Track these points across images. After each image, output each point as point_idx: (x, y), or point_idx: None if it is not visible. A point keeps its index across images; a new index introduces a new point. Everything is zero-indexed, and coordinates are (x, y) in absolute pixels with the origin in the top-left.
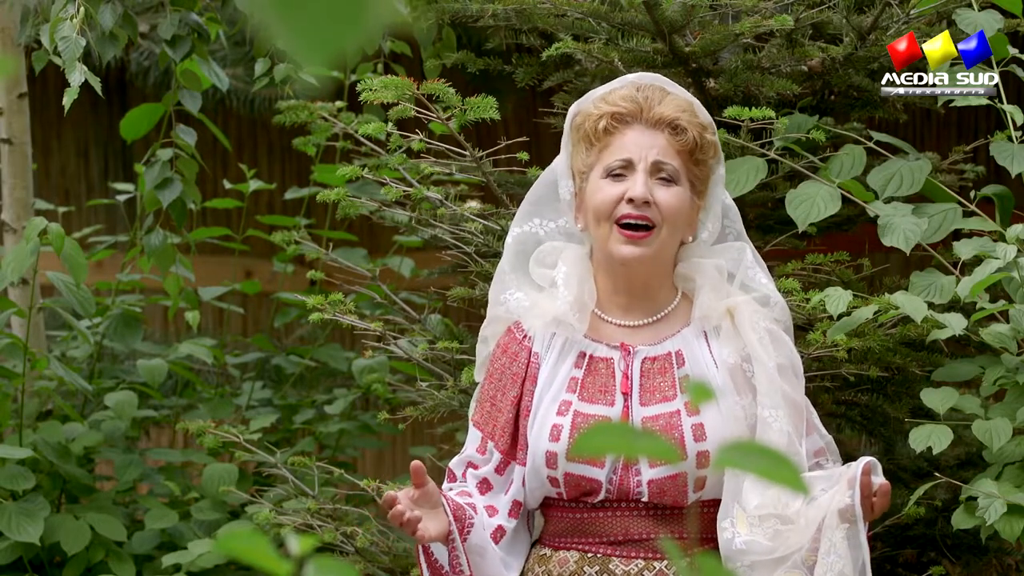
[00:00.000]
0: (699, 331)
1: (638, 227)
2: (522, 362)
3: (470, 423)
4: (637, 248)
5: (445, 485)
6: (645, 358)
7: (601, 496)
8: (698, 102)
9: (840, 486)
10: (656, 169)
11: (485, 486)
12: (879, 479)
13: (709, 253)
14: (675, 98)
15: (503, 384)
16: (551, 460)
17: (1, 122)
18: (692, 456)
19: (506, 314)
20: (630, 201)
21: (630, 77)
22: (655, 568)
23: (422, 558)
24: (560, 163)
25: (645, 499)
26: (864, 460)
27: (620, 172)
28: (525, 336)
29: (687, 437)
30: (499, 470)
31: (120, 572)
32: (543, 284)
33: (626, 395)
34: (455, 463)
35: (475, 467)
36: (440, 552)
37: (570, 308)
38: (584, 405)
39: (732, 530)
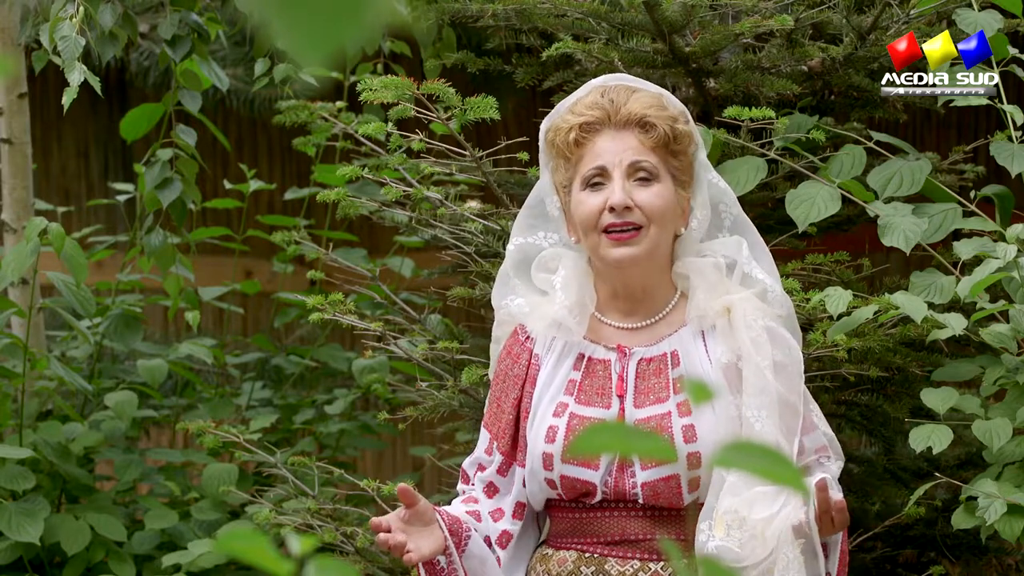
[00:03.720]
0: (696, 330)
1: (625, 229)
2: (523, 364)
3: (482, 424)
4: (628, 248)
5: (459, 486)
6: (641, 359)
7: (598, 497)
8: (668, 94)
9: (795, 502)
10: (634, 170)
11: (492, 489)
12: (836, 495)
13: (707, 249)
14: (642, 95)
15: (506, 386)
16: (547, 462)
17: (1, 122)
18: (682, 457)
19: (508, 317)
20: (612, 210)
21: (596, 82)
22: (650, 569)
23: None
24: (543, 181)
25: (641, 501)
26: (818, 476)
27: (598, 181)
28: (527, 338)
29: (677, 438)
30: (502, 471)
31: (120, 572)
32: (544, 288)
33: (621, 397)
34: (467, 463)
35: (483, 468)
36: (441, 559)
37: (568, 311)
38: (580, 407)
39: (708, 532)
